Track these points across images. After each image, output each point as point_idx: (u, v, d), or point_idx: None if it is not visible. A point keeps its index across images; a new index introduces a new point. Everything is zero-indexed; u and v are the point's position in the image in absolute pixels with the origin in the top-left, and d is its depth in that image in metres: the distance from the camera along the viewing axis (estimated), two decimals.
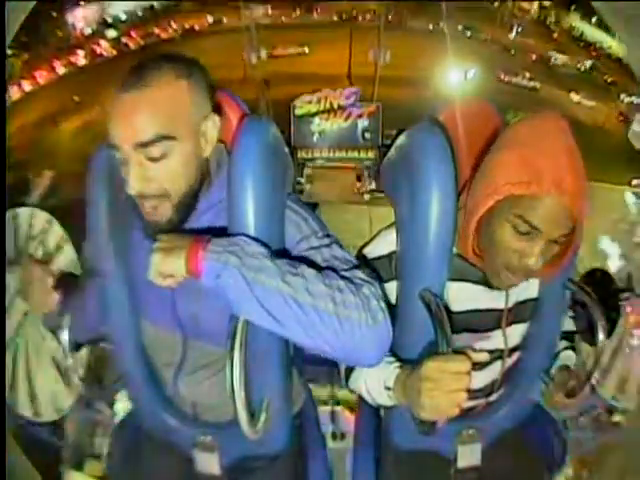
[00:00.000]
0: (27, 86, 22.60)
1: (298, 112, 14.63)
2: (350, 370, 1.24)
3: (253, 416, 1.08)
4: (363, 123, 14.95)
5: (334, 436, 2.21)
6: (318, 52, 24.49)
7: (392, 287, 1.23)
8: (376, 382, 1.14)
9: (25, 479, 1.19)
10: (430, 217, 1.10)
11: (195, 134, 1.04)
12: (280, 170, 1.14)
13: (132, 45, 26.07)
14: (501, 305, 1.23)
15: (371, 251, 1.27)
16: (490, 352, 1.13)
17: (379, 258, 1.25)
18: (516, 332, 1.28)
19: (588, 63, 25.04)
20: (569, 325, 1.43)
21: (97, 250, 1.20)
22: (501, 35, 26.52)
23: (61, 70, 24.17)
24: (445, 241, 1.12)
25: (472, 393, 1.15)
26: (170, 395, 1.28)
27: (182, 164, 1.03)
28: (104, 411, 2.40)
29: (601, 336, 1.22)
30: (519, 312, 1.26)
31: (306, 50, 24.05)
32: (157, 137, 0.98)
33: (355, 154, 14.93)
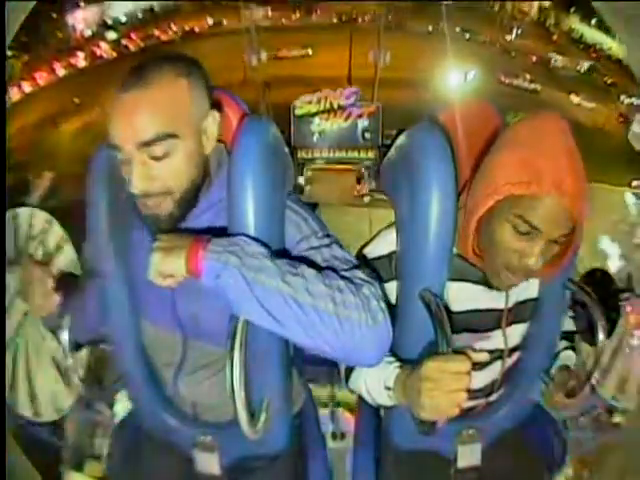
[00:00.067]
0: (27, 87, 22.61)
1: (298, 112, 14.63)
2: (350, 370, 1.24)
3: (253, 416, 1.08)
4: (363, 123, 14.95)
5: (334, 436, 2.21)
6: (318, 54, 24.52)
7: (392, 287, 1.23)
8: (376, 382, 1.14)
9: (25, 479, 1.19)
10: (430, 217, 1.10)
11: (196, 131, 1.05)
12: (280, 170, 1.14)
13: (132, 47, 26.09)
14: (501, 305, 1.23)
15: (371, 251, 1.27)
16: (490, 352, 1.13)
17: (379, 258, 1.25)
18: (516, 332, 1.28)
19: (586, 64, 25.06)
20: (569, 325, 1.43)
21: (97, 250, 1.20)
22: (501, 37, 26.53)
23: (61, 72, 24.20)
24: (445, 241, 1.12)
25: (472, 393, 1.15)
26: (170, 395, 1.28)
27: (185, 162, 1.03)
28: (104, 412, 2.40)
29: (601, 336, 1.22)
30: (519, 312, 1.26)
31: (309, 52, 24.15)
32: (160, 136, 0.99)
33: (355, 154, 14.93)
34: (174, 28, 27.34)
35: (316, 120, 14.67)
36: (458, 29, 25.94)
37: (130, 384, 1.29)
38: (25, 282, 1.16)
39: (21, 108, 20.76)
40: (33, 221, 1.29)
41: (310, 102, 14.58)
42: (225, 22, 27.15)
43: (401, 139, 1.24)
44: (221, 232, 1.04)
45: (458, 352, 0.99)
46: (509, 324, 1.26)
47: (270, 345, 1.13)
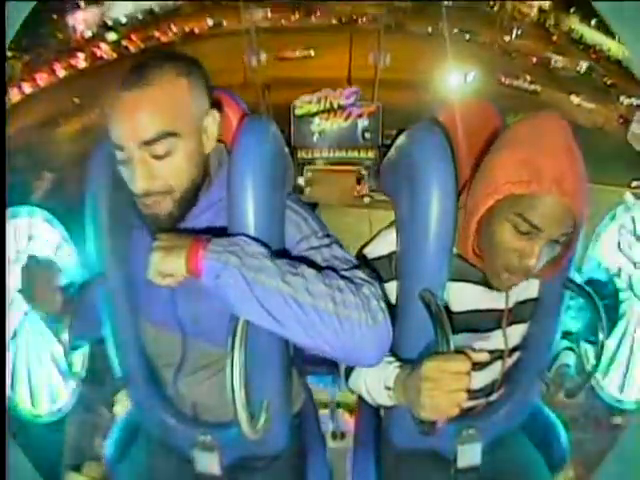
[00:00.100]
0: (27, 88, 22.63)
1: (298, 112, 14.67)
2: (350, 370, 1.24)
3: (253, 416, 1.08)
4: (363, 123, 15.00)
5: (334, 436, 2.21)
6: (318, 56, 24.56)
7: (392, 287, 1.22)
8: (376, 382, 1.14)
9: (25, 479, 1.19)
10: (430, 217, 1.10)
11: (197, 130, 1.05)
12: (280, 170, 1.14)
13: (132, 48, 26.15)
14: (501, 305, 1.23)
15: (371, 251, 1.27)
16: (490, 352, 1.13)
17: (379, 258, 1.25)
18: (516, 332, 1.28)
19: (585, 65, 25.09)
20: (569, 325, 1.42)
21: (97, 250, 1.20)
22: (500, 38, 26.56)
23: (61, 73, 24.24)
24: (445, 241, 1.12)
25: (472, 393, 1.15)
26: (170, 395, 1.28)
27: (185, 160, 1.03)
28: (103, 413, 2.41)
29: (601, 336, 1.22)
30: (519, 312, 1.26)
31: (312, 53, 24.24)
32: (161, 134, 0.99)
33: (355, 154, 14.98)
34: (174, 29, 27.41)
35: (316, 120, 14.71)
36: (458, 30, 25.99)
37: (130, 384, 1.29)
38: (29, 281, 1.16)
39: (21, 109, 20.77)
40: (33, 220, 1.29)
41: (310, 102, 14.61)
42: (225, 23, 27.23)
43: (401, 139, 1.24)
44: (221, 232, 1.04)
45: (458, 352, 0.99)
46: (509, 324, 1.25)
47: (270, 345, 1.13)
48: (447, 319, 1.04)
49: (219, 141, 1.12)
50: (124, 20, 27.61)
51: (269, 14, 27.61)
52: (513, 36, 27.20)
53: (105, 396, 1.45)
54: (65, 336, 1.15)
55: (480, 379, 1.28)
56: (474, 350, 1.02)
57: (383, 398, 1.13)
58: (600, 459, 1.38)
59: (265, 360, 1.15)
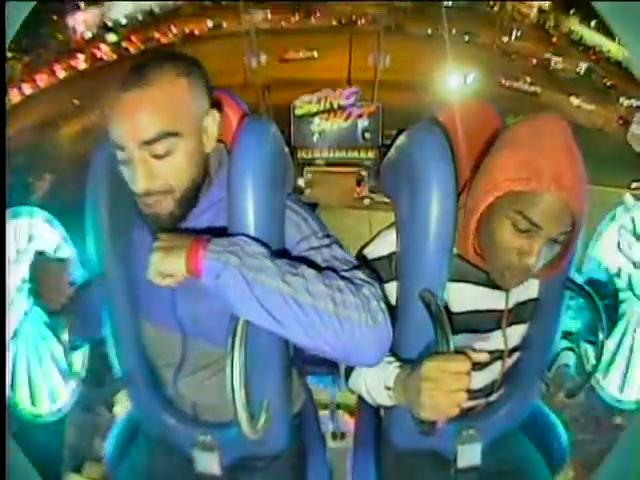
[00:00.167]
0: (27, 89, 22.65)
1: (298, 112, 14.67)
2: (350, 370, 1.24)
3: (253, 416, 1.08)
4: (363, 123, 15.01)
5: (334, 436, 2.21)
6: (319, 57, 24.59)
7: (392, 288, 1.23)
8: (376, 382, 1.14)
9: (25, 479, 1.18)
10: (430, 217, 1.10)
11: (197, 130, 1.05)
12: (280, 170, 1.14)
13: (132, 49, 26.18)
14: (501, 306, 1.23)
15: (371, 252, 1.27)
16: (490, 352, 1.13)
17: (379, 259, 1.25)
18: (516, 333, 1.28)
19: (584, 65, 25.12)
20: (569, 325, 1.42)
21: (97, 250, 1.20)
22: (500, 39, 26.58)
23: (61, 74, 24.27)
24: (445, 241, 1.12)
25: (472, 393, 1.15)
26: (170, 395, 1.28)
27: (186, 160, 1.03)
28: (103, 414, 2.41)
29: (601, 336, 1.22)
30: (519, 313, 1.26)
31: (315, 54, 24.28)
32: (161, 134, 0.99)
33: (355, 154, 14.99)
34: (174, 31, 27.45)
35: (316, 120, 14.72)
36: (458, 32, 26.00)
37: (130, 384, 1.29)
38: (39, 277, 1.15)
39: (21, 110, 20.78)
40: (33, 220, 1.29)
41: (310, 102, 14.62)
42: (225, 25, 27.26)
43: (401, 139, 1.25)
44: (221, 232, 1.04)
45: (458, 352, 0.99)
46: (509, 325, 1.25)
47: (270, 345, 1.14)
48: (447, 319, 1.05)
49: (219, 141, 1.12)
50: (124, 21, 27.65)
51: (269, 15, 27.65)
52: (513, 37, 27.23)
53: (105, 396, 1.46)
54: (65, 336, 1.15)
55: (480, 379, 1.28)
56: (474, 350, 1.02)
57: (383, 398, 1.13)
58: (600, 459, 1.38)
59: (265, 360, 1.15)
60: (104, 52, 26.00)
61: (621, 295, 1.43)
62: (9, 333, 1.22)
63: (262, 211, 1.05)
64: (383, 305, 0.99)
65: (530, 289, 1.26)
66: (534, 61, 26.46)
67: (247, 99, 1.25)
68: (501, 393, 1.35)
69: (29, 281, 1.16)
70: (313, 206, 1.25)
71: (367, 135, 14.94)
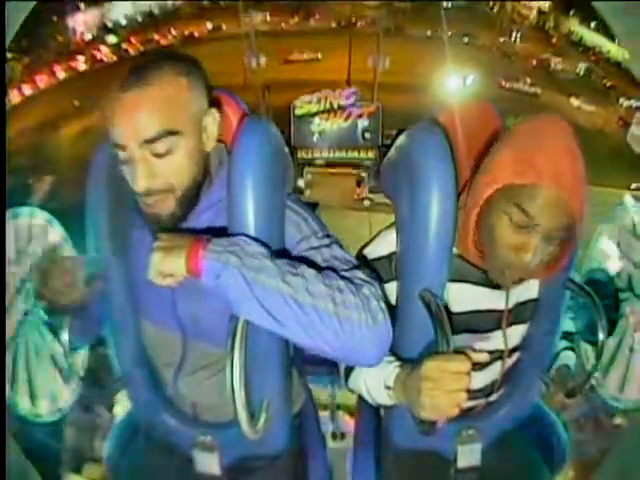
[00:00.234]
0: (27, 90, 22.66)
1: (298, 112, 14.66)
2: (350, 370, 1.24)
3: (253, 416, 1.08)
4: (363, 123, 15.00)
5: (334, 436, 2.21)
6: (319, 58, 24.61)
7: (392, 288, 1.23)
8: (376, 381, 1.14)
9: (25, 479, 1.19)
10: (430, 217, 1.10)
11: (197, 129, 1.05)
12: (280, 170, 1.14)
13: (132, 51, 26.20)
14: (501, 306, 1.23)
15: (371, 252, 1.27)
16: (490, 352, 1.13)
17: (379, 259, 1.25)
18: (516, 333, 1.28)
19: (583, 66, 25.14)
20: (569, 325, 1.43)
21: (97, 250, 1.20)
22: (500, 40, 26.59)
23: (61, 75, 24.28)
24: (445, 241, 1.12)
25: (472, 393, 1.15)
26: (170, 395, 1.28)
27: (187, 158, 1.03)
28: (103, 414, 2.40)
29: (601, 336, 1.22)
30: (519, 313, 1.26)
31: (319, 56, 24.30)
32: (162, 133, 0.99)
33: (355, 154, 14.97)
34: (174, 32, 27.48)
35: (316, 120, 14.71)
36: (457, 33, 26.02)
37: (130, 384, 1.29)
38: (49, 271, 1.10)
39: (21, 111, 20.79)
40: (33, 221, 1.29)
41: (310, 102, 14.61)
42: (224, 27, 27.29)
43: (401, 139, 1.25)
44: (221, 232, 1.04)
45: (458, 352, 0.99)
46: (509, 325, 1.25)
47: (270, 345, 1.13)
48: (447, 319, 1.05)
49: (219, 141, 1.12)
50: (124, 23, 27.68)
51: (268, 17, 27.67)
52: (512, 39, 27.26)
53: (105, 396, 1.45)
54: (65, 336, 1.14)
55: (480, 379, 1.28)
56: (474, 350, 1.02)
57: (383, 398, 1.13)
58: (600, 459, 1.38)
59: (265, 360, 1.15)
60: (104, 53, 26.03)
61: (621, 295, 1.43)
62: (9, 333, 1.22)
63: (262, 211, 1.05)
64: (383, 305, 0.99)
65: (530, 289, 1.26)
66: (534, 62, 26.48)
67: (247, 100, 1.25)
68: (501, 393, 1.35)
69: (39, 277, 1.13)
70: (313, 206, 1.25)
71: (367, 135, 14.92)
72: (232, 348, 0.97)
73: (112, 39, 26.84)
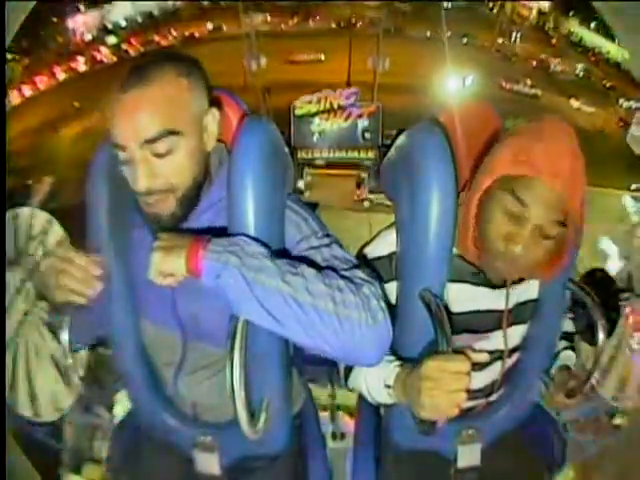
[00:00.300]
0: (27, 91, 22.67)
1: (298, 112, 14.68)
2: (350, 368, 1.24)
3: (253, 416, 1.08)
4: (363, 123, 15.03)
5: (334, 436, 2.20)
6: (319, 59, 24.62)
7: (392, 287, 1.23)
8: (376, 380, 1.14)
9: (25, 479, 1.19)
10: (430, 217, 1.10)
11: (198, 129, 1.05)
12: (280, 170, 1.14)
13: (132, 52, 26.20)
14: (501, 306, 1.23)
15: (371, 251, 1.27)
16: (490, 353, 1.13)
17: (379, 258, 1.25)
18: (516, 333, 1.28)
19: (583, 67, 25.13)
20: (569, 325, 1.43)
21: (97, 250, 1.19)
22: (500, 41, 26.59)
23: (61, 76, 24.28)
24: (445, 241, 1.12)
25: (472, 393, 1.15)
26: (170, 395, 1.28)
27: (187, 158, 1.04)
28: (103, 415, 2.40)
29: (601, 336, 1.22)
30: (519, 313, 1.26)
31: (322, 57, 24.30)
32: (162, 133, 0.99)
33: (355, 154, 15.00)
34: (174, 33, 27.47)
35: (316, 120, 14.73)
36: (457, 34, 26.02)
37: (130, 384, 1.29)
38: (60, 269, 1.07)
39: (21, 112, 20.79)
40: (33, 221, 1.29)
41: (310, 102, 14.63)
42: (225, 27, 27.28)
43: (401, 139, 1.25)
44: (221, 232, 1.04)
45: (458, 352, 0.99)
46: (509, 325, 1.26)
47: (270, 345, 1.13)
48: (447, 319, 1.05)
49: (219, 141, 1.12)
50: (124, 24, 27.68)
51: (268, 18, 27.67)
52: (512, 39, 27.27)
53: (105, 396, 1.45)
54: (65, 336, 1.14)
55: (480, 379, 1.28)
56: (474, 350, 1.02)
57: (383, 397, 1.13)
58: (600, 459, 1.38)
59: (265, 360, 1.15)
60: (104, 54, 26.03)
61: (621, 295, 1.43)
62: (9, 333, 1.22)
63: (262, 211, 1.05)
64: (383, 304, 0.99)
65: (530, 290, 1.26)
66: (534, 63, 26.48)
67: (247, 101, 1.25)
68: (501, 393, 1.35)
69: (51, 276, 1.09)
70: (313, 206, 1.25)
71: (367, 135, 14.95)
72: (232, 348, 0.96)
73: (112, 40, 26.84)
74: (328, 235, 1.13)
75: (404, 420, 1.10)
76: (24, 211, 1.27)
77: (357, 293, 0.96)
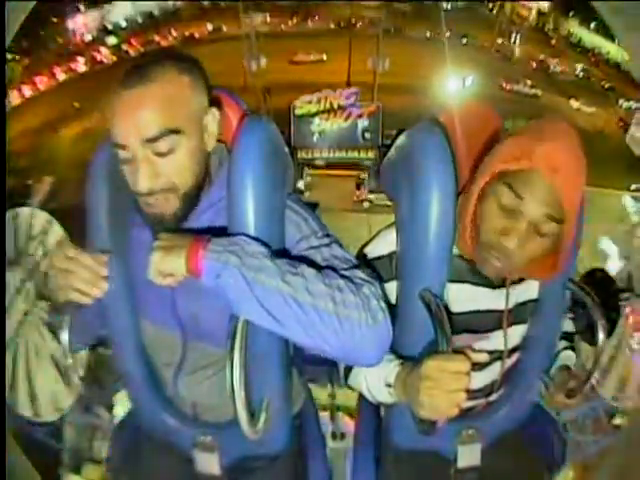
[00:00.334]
0: (27, 91, 22.66)
1: (298, 112, 14.70)
2: (349, 367, 1.24)
3: (253, 416, 1.08)
4: (363, 123, 15.06)
5: (334, 436, 2.20)
6: (319, 60, 24.62)
7: (392, 287, 1.23)
8: (376, 379, 1.14)
9: (25, 479, 1.18)
10: (430, 217, 1.10)
11: (198, 128, 1.05)
12: (280, 170, 1.14)
13: (132, 52, 26.19)
14: (501, 306, 1.23)
15: (371, 251, 1.27)
16: (490, 353, 1.13)
17: (379, 258, 1.25)
18: (516, 333, 1.28)
19: (580, 67, 25.14)
20: (569, 325, 1.43)
21: (97, 250, 1.19)
22: (499, 42, 26.60)
23: (61, 76, 24.27)
24: (445, 241, 1.12)
25: (472, 393, 1.15)
26: (170, 395, 1.28)
27: (188, 157, 1.03)
28: (103, 415, 2.40)
29: (601, 336, 1.22)
30: (519, 313, 1.26)
31: (324, 57, 24.31)
32: (164, 131, 0.99)
33: (355, 154, 15.02)
34: (174, 33, 27.47)
35: (316, 120, 14.75)
36: (457, 34, 26.03)
37: (130, 384, 1.29)
38: (69, 270, 1.06)
39: (21, 112, 20.79)
40: (33, 221, 1.29)
41: (310, 102, 14.65)
42: (225, 28, 27.28)
43: (401, 139, 1.25)
44: (221, 231, 1.04)
45: (458, 352, 0.99)
46: (509, 325, 1.26)
47: (270, 345, 1.13)
48: (447, 318, 1.05)
49: (219, 141, 1.12)
50: (124, 24, 27.67)
51: (268, 19, 27.67)
52: (512, 40, 27.27)
53: (105, 397, 1.45)
54: (65, 336, 1.14)
55: (480, 379, 1.28)
56: (474, 350, 1.02)
57: (384, 395, 1.13)
58: (600, 459, 1.38)
59: (265, 360, 1.15)
60: (104, 55, 26.01)
61: (621, 295, 1.43)
62: (9, 333, 1.22)
63: (262, 211, 1.05)
64: (383, 304, 0.99)
65: (530, 290, 1.26)
66: (534, 64, 26.49)
67: (247, 101, 1.25)
68: (501, 393, 1.35)
69: (57, 276, 1.08)
70: (313, 206, 1.25)
71: (367, 135, 14.98)
72: (232, 348, 0.96)
73: (112, 40, 26.83)
74: (328, 235, 1.13)
75: (404, 421, 1.10)
76: (24, 211, 1.27)
77: (357, 293, 0.96)
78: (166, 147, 1.00)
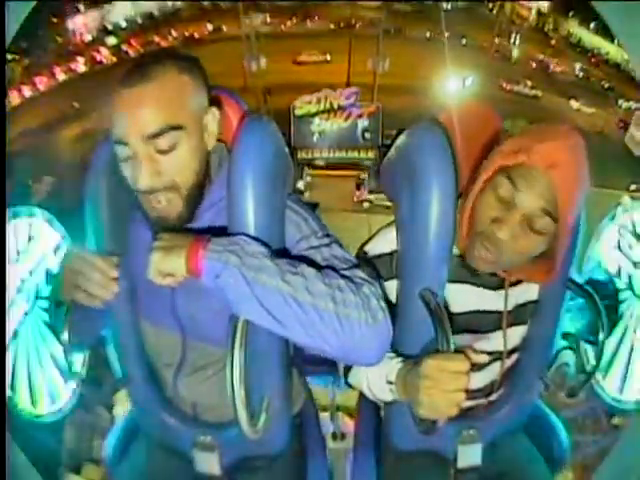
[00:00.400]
0: (27, 92, 22.67)
1: (298, 112, 14.72)
2: (350, 366, 1.24)
3: (253, 416, 1.07)
4: (363, 123, 15.08)
5: (334, 436, 2.20)
6: (321, 60, 24.64)
7: (392, 286, 1.23)
8: (377, 377, 1.13)
9: (25, 479, 1.18)
10: (430, 217, 1.10)
11: (199, 126, 1.05)
12: (280, 169, 1.14)
13: (132, 52, 26.21)
14: (501, 307, 1.23)
15: (372, 249, 1.27)
16: (489, 353, 1.13)
17: (380, 256, 1.25)
18: (516, 334, 1.28)
19: (580, 67, 25.15)
20: (569, 325, 1.42)
21: (97, 250, 1.19)
22: (499, 42, 26.61)
23: (61, 76, 24.27)
24: (445, 241, 1.12)
25: (472, 393, 1.15)
26: (170, 395, 1.28)
27: (190, 155, 1.03)
28: (103, 415, 2.40)
29: (601, 336, 1.22)
30: (519, 315, 1.26)
31: (328, 58, 24.33)
32: (165, 128, 0.98)
33: (355, 154, 15.04)
34: (174, 34, 27.50)
35: (316, 120, 14.77)
36: (456, 35, 26.04)
37: (130, 384, 1.29)
38: (79, 271, 1.05)
39: (21, 112, 20.78)
40: (33, 221, 1.29)
41: (310, 102, 14.67)
42: (225, 28, 27.31)
43: (401, 139, 1.25)
44: (221, 231, 1.04)
45: (458, 352, 0.98)
46: (509, 326, 1.25)
47: (270, 345, 1.13)
48: (447, 318, 1.04)
49: (219, 141, 1.12)
50: (124, 24, 27.70)
51: (268, 19, 27.69)
52: (512, 40, 27.30)
53: (105, 396, 1.45)
54: (65, 336, 1.14)
55: (479, 379, 1.28)
56: (474, 350, 1.02)
57: (384, 393, 1.12)
58: (600, 459, 1.38)
59: (265, 360, 1.15)
60: (104, 55, 26.04)
61: (621, 295, 1.43)
62: (9, 333, 1.22)
63: (262, 210, 1.05)
64: (383, 304, 0.99)
65: (530, 291, 1.26)
66: (534, 64, 26.51)
67: (247, 102, 1.25)
68: (501, 393, 1.35)
69: (70, 277, 1.06)
70: (313, 206, 1.25)
71: (367, 135, 15.00)
72: (232, 348, 0.96)
73: (112, 41, 26.86)
74: (328, 235, 1.13)
75: (404, 421, 1.10)
76: (24, 210, 1.27)
77: (357, 292, 0.96)
78: (167, 144, 0.99)
